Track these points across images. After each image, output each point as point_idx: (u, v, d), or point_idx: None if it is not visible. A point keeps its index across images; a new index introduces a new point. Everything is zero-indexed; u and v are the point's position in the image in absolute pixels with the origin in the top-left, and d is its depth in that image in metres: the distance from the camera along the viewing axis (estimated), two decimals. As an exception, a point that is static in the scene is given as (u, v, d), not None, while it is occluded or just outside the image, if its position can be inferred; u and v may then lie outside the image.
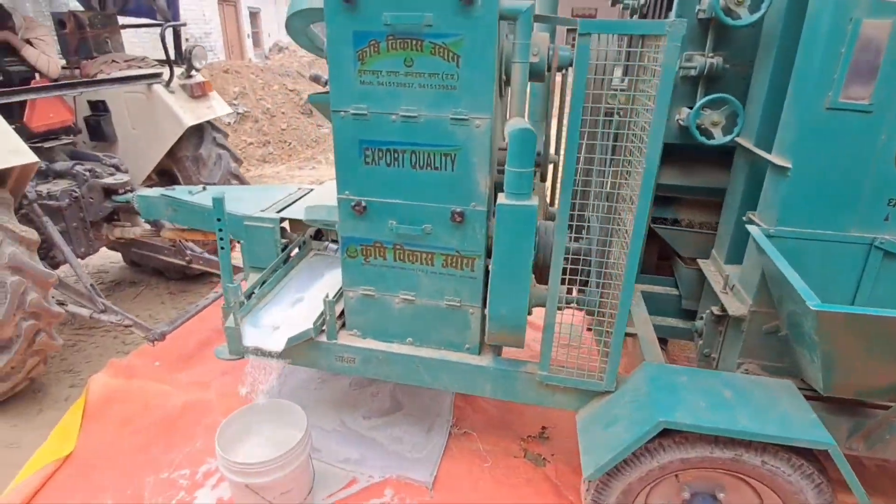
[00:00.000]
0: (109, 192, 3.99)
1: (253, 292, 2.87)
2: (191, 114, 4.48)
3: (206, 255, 4.55)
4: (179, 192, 3.70)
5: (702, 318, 2.68)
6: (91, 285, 3.66)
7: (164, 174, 4.74)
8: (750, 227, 2.25)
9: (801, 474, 2.03)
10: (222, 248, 2.81)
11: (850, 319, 1.73)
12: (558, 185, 3.02)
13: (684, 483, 2.25)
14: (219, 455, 2.54)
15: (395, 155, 2.33)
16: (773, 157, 2.23)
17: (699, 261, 2.89)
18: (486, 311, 2.31)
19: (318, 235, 3.42)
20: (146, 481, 2.96)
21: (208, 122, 4.64)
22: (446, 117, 2.21)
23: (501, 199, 2.13)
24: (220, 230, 2.75)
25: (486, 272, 2.46)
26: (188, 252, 4.47)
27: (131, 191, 4.00)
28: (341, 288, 2.86)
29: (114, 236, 4.18)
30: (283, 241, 3.22)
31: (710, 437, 2.07)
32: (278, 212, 3.29)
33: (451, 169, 2.29)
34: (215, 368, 3.76)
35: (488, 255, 2.43)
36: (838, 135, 2.07)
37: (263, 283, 2.96)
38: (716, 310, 2.55)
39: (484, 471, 2.97)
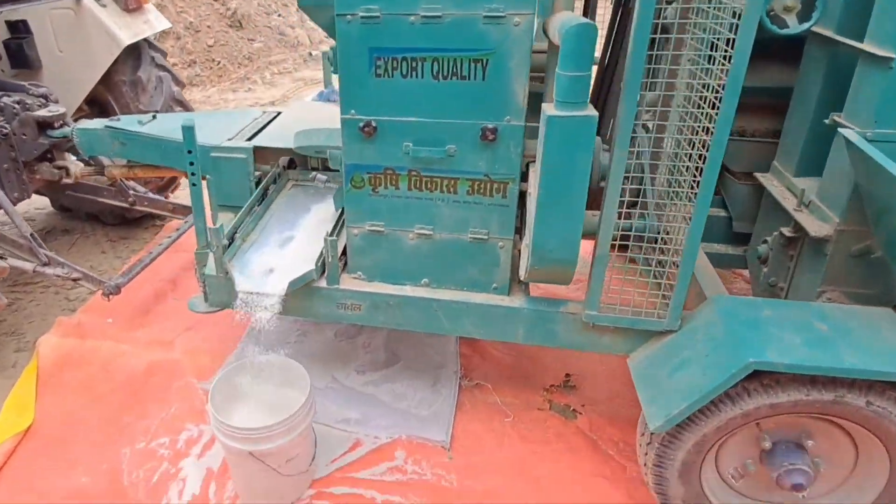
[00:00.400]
0: (43, 126, 3.56)
1: (235, 234, 2.67)
2: (127, 30, 4.02)
3: (151, 195, 4.20)
4: (126, 122, 3.31)
5: (765, 241, 2.54)
6: (31, 235, 3.35)
7: (95, 104, 4.31)
8: (843, 131, 2.06)
9: None
10: (194, 184, 2.57)
11: None
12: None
13: (765, 431, 2.13)
14: (215, 421, 2.36)
15: (414, 64, 2.07)
16: (869, 47, 2.04)
17: (757, 175, 2.71)
18: (528, 242, 2.18)
19: (291, 165, 3.22)
20: (122, 453, 2.74)
21: (145, 39, 4.21)
22: (478, 15, 1.95)
23: (549, 109, 1.94)
24: (192, 164, 2.51)
25: (521, 198, 2.33)
26: (131, 192, 4.09)
27: (68, 124, 3.60)
28: (337, 223, 2.69)
29: (50, 177, 3.76)
30: (257, 173, 3.01)
31: (805, 378, 1.94)
32: (248, 139, 3.04)
33: (481, 78, 2.05)
34: (177, 324, 3.52)
35: (523, 178, 2.29)
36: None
37: (243, 222, 2.76)
38: (787, 231, 2.40)
39: (506, 426, 2.86)
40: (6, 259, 3.23)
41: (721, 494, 2.30)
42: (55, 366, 3.23)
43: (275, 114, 3.33)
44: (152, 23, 4.31)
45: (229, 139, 2.97)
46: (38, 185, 3.85)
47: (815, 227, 2.29)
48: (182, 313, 3.55)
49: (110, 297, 3.31)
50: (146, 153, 3.27)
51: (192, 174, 2.52)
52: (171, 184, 4.61)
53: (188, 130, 2.42)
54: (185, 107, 4.47)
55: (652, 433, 2.18)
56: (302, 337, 3.40)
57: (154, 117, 3.37)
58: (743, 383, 1.96)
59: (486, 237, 2.33)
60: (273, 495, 2.52)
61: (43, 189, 4.17)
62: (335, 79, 2.40)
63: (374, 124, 2.17)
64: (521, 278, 2.28)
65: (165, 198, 4.36)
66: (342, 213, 2.66)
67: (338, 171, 2.60)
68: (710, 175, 1.91)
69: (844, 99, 2.26)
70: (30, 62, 4.07)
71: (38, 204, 5.02)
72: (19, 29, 4.07)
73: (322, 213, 2.80)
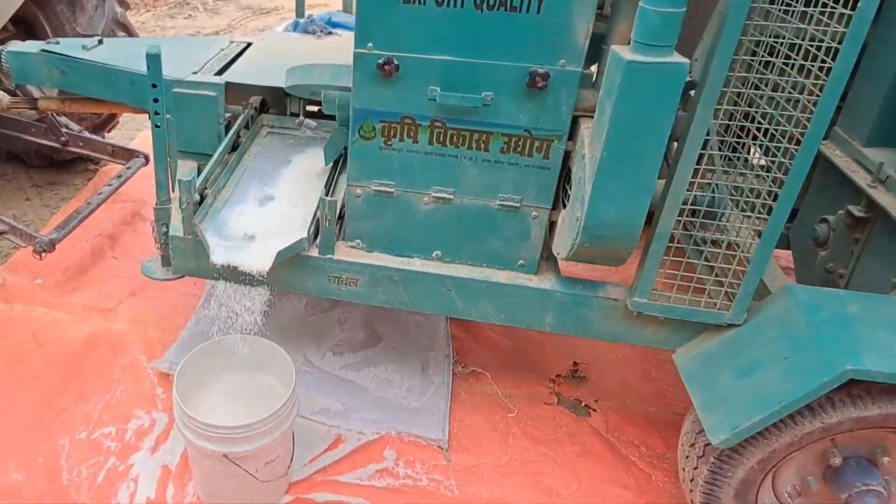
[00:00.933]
0: None
1: (205, 188, 2.25)
2: None
3: (87, 134, 3.67)
4: (67, 46, 2.80)
5: (823, 220, 2.34)
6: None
7: (21, 22, 3.64)
8: None
9: None
10: (157, 125, 2.17)
11: None
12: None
13: (835, 446, 1.92)
14: (182, 414, 1.99)
15: None
16: None
17: None
18: (579, 216, 1.86)
19: (263, 107, 2.79)
20: (60, 444, 2.37)
21: None
22: None
23: (625, 52, 1.61)
24: (156, 100, 2.11)
25: (564, 160, 2.00)
26: (63, 131, 3.56)
27: None
28: (330, 180, 2.32)
29: None
30: (227, 115, 2.54)
31: None
32: (217, 74, 2.57)
33: (535, 9, 1.72)
34: (120, 288, 3.11)
35: (569, 136, 1.96)
36: None
37: (214, 174, 2.33)
38: (856, 210, 2.17)
39: (510, 423, 2.56)
40: None
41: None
42: (-28, 334, 2.76)
43: (244, 45, 2.90)
44: None
45: (194, 72, 2.53)
46: None
47: None
48: (124, 275, 3.17)
49: (42, 254, 2.85)
50: (91, 85, 2.77)
51: (156, 113, 2.14)
52: (109, 121, 4.05)
53: (154, 59, 2.02)
54: (130, 32, 3.84)
55: (707, 445, 1.93)
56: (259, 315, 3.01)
57: (100, 42, 2.88)
58: (830, 394, 1.72)
59: (518, 205, 2.02)
60: (244, 501, 2.17)
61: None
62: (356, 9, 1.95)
63: (395, 62, 1.82)
64: (562, 256, 1.98)
65: (102, 137, 3.84)
66: (335, 168, 2.28)
67: (332, 117, 2.20)
68: (810, 147, 1.64)
69: None
70: None
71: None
72: None
73: (306, 167, 2.43)
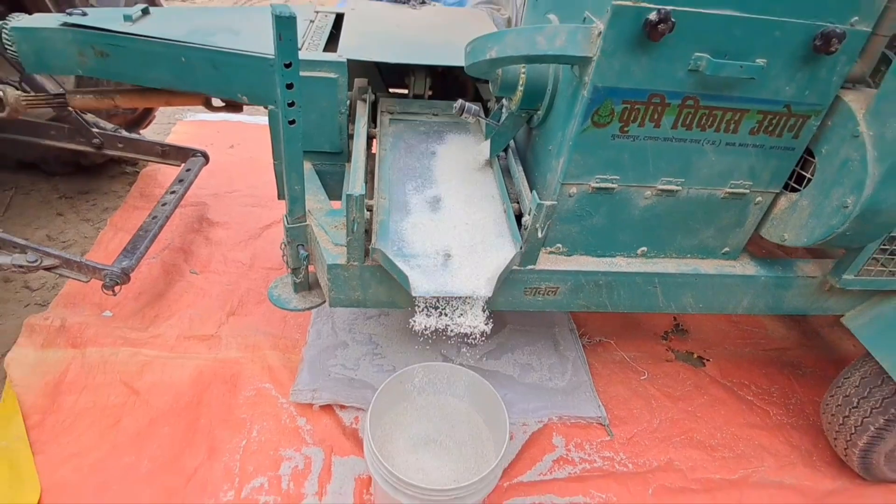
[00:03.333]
0: None
1: (368, 203, 1.33)
2: None
3: (125, 133, 2.46)
4: (100, 18, 1.60)
5: None
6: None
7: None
8: None
9: None
10: (292, 122, 1.20)
11: None
12: None
13: None
14: (388, 474, 1.22)
15: None
16: None
17: None
18: (849, 201, 1.19)
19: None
20: (199, 519, 1.49)
21: None
22: None
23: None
24: (290, 86, 1.13)
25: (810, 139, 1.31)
26: (96, 131, 2.33)
27: None
28: (506, 173, 1.48)
29: None
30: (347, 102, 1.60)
31: None
32: (323, 50, 1.59)
33: None
34: (213, 309, 2.06)
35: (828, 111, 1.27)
36: None
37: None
38: None
39: (646, 386, 1.99)
40: None
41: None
42: (47, 396, 1.72)
43: (333, 14, 1.87)
44: None
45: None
46: None
47: None
48: (213, 292, 2.14)
49: (116, 288, 1.77)
50: (150, 69, 1.60)
51: (291, 104, 1.14)
52: (145, 116, 2.73)
53: (287, 24, 1.05)
54: (155, 1, 2.34)
55: (887, 398, 1.49)
56: (377, 312, 2.12)
57: (146, 11, 1.71)
58: None
59: (747, 191, 1.32)
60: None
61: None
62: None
63: (672, 19, 0.97)
64: (804, 243, 1.34)
65: (139, 135, 2.53)
66: (507, 159, 1.47)
67: (498, 100, 1.35)
68: None
69: None
70: None
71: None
72: None
73: (456, 158, 1.59)
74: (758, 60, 1.10)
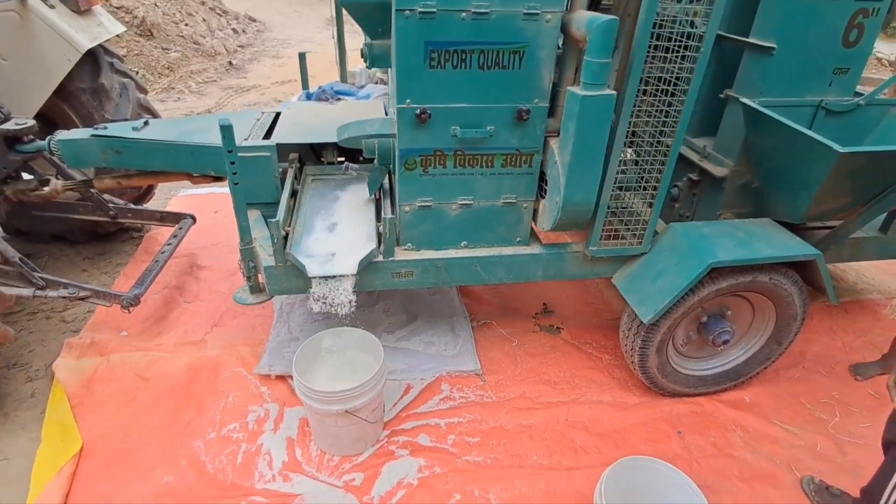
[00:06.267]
0: (11, 141, 2.61)
1: (285, 227, 2.27)
2: (84, 33, 2.98)
3: (134, 206, 3.39)
4: (116, 129, 2.60)
5: (676, 186, 2.78)
6: (21, 259, 2.56)
7: (43, 117, 3.06)
8: (742, 99, 2.28)
9: (792, 282, 2.27)
10: (236, 183, 2.15)
11: (867, 157, 1.97)
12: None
13: (705, 310, 2.38)
14: (307, 391, 2.06)
15: (463, 56, 1.89)
16: (755, 40, 2.25)
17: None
18: (558, 200, 2.14)
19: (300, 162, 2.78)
20: (195, 447, 2.27)
21: (100, 44, 3.15)
22: (518, 12, 1.84)
23: (578, 90, 1.91)
24: (233, 163, 2.09)
25: (540, 167, 2.27)
26: (111, 206, 3.24)
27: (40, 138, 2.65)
28: (378, 205, 2.42)
29: (24, 196, 2.76)
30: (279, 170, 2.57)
31: (736, 268, 2.18)
32: (264, 138, 2.54)
33: (517, 67, 1.93)
34: (201, 324, 2.94)
35: (542, 149, 2.23)
36: (812, 19, 2.18)
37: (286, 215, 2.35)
38: (693, 176, 2.64)
39: (515, 349, 2.84)
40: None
41: (676, 358, 2.53)
42: (83, 386, 2.54)
43: (274, 114, 2.84)
44: (106, 25, 3.22)
45: (245, 139, 2.49)
46: (11, 206, 2.90)
47: (717, 170, 2.54)
48: (202, 313, 3.00)
49: (131, 308, 2.65)
50: (150, 159, 2.57)
51: (234, 173, 2.11)
52: (147, 193, 3.71)
53: (227, 130, 2.00)
54: (154, 114, 3.45)
55: (640, 325, 2.32)
56: (327, 317, 2.98)
57: (146, 123, 2.68)
58: (701, 279, 2.15)
59: (514, 201, 2.25)
60: (359, 443, 2.28)
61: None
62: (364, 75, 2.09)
63: (428, 111, 1.96)
64: (546, 229, 2.25)
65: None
66: (380, 195, 2.40)
67: (369, 160, 2.32)
68: (677, 144, 2.05)
69: (729, 81, 2.50)
70: None
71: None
72: None
73: (353, 200, 2.51)
74: (488, 127, 2.06)
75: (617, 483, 1.82)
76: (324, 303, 2.13)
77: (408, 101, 1.96)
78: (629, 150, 2.16)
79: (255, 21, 11.61)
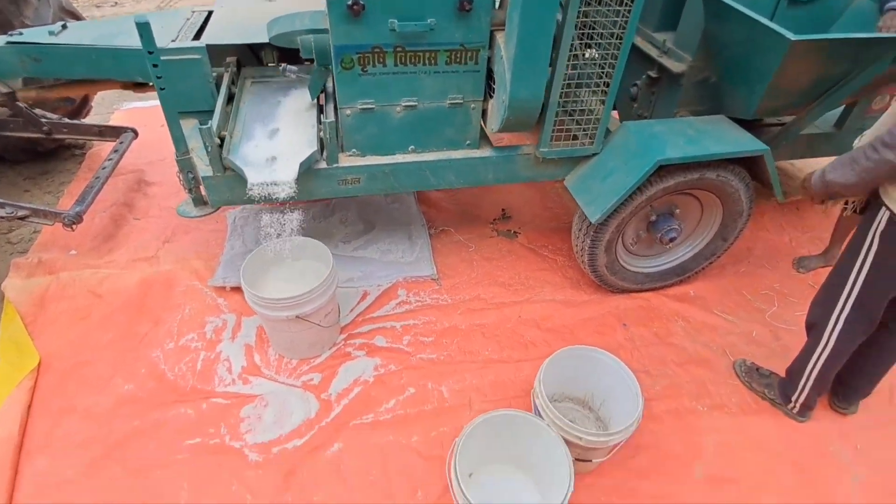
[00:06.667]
0: None
1: (222, 133, 2.16)
2: None
3: (70, 121, 3.20)
4: (33, 35, 2.38)
5: (635, 84, 2.69)
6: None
7: None
8: None
9: (739, 178, 2.29)
10: (162, 88, 2.02)
11: (819, 45, 1.91)
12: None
13: (653, 209, 2.42)
14: (256, 298, 2.08)
15: None
16: None
17: None
18: (504, 98, 2.06)
19: (239, 64, 2.60)
20: (154, 356, 2.32)
21: None
22: None
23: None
24: (156, 65, 1.93)
25: (487, 63, 2.16)
26: (44, 121, 3.06)
27: None
28: (321, 109, 2.31)
29: None
30: (213, 74, 2.41)
31: (684, 165, 2.17)
32: (194, 39, 2.35)
33: None
34: (151, 240, 2.90)
35: (489, 45, 2.11)
36: None
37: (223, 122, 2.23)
38: (652, 73, 2.55)
39: (472, 253, 2.89)
40: None
41: (625, 256, 2.60)
42: (35, 305, 2.53)
43: (206, 12, 2.62)
44: None
45: (172, 41, 2.30)
46: None
47: (675, 66, 2.44)
48: (152, 230, 2.95)
49: (73, 226, 2.58)
50: (72, 67, 2.39)
51: (158, 77, 1.94)
52: (82, 108, 3.47)
53: (145, 28, 1.81)
54: (78, 17, 3.19)
55: (589, 225, 2.34)
56: (281, 228, 2.96)
57: (64, 27, 2.46)
58: (649, 178, 2.15)
59: (461, 101, 2.17)
60: (316, 346, 2.36)
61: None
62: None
63: (361, 2, 1.83)
64: (495, 130, 2.19)
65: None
66: (320, 98, 2.28)
67: (309, 60, 2.17)
68: (630, 30, 1.94)
69: None
70: None
71: None
72: None
73: (296, 104, 2.39)
74: (429, 20, 1.92)
75: (555, 370, 1.94)
76: (265, 198, 2.07)
77: (337, -11, 1.80)
78: (580, 45, 2.05)
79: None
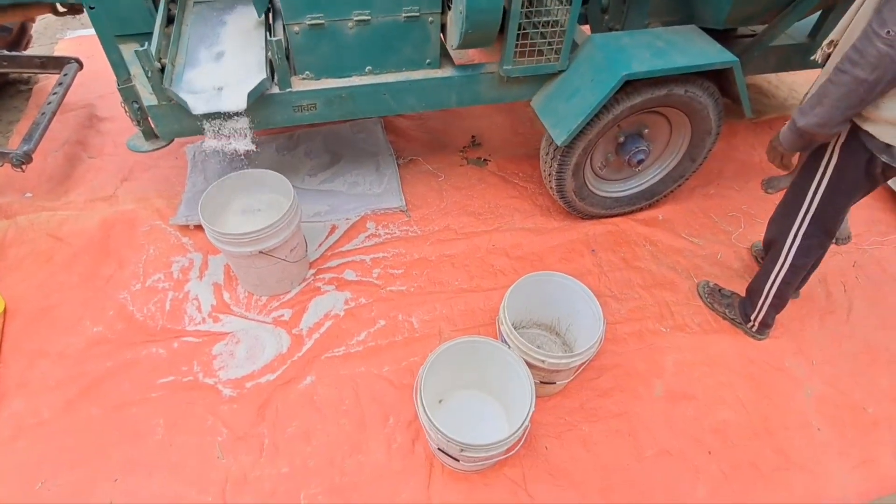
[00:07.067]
0: None
1: (161, 58, 2.01)
2: None
3: (6, 52, 2.99)
4: None
5: None
6: None
7: None
8: None
9: (708, 94, 2.20)
10: (92, 7, 1.85)
11: None
12: None
13: (621, 130, 2.35)
14: (218, 235, 2.02)
15: None
16: None
17: None
18: (461, 9, 1.92)
19: None
20: (121, 298, 2.29)
21: None
22: None
23: None
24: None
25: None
26: None
27: None
28: (267, 28, 2.15)
29: None
30: None
31: (651, 81, 2.08)
32: None
33: None
34: (110, 179, 2.79)
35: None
36: None
37: (162, 45, 2.07)
38: None
39: (441, 183, 2.82)
40: None
41: (593, 181, 2.54)
42: (-8, 250, 2.43)
43: None
44: None
45: None
46: None
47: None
48: (108, 168, 2.83)
49: (23, 166, 2.46)
50: None
51: (90, -7, 1.76)
52: (21, 38, 3.22)
53: None
54: None
55: (555, 148, 2.27)
56: (244, 161, 2.83)
57: None
58: (615, 95, 2.06)
59: (418, 13, 2.02)
60: (284, 282, 2.33)
61: None
62: None
63: None
64: (454, 46, 2.06)
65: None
66: (268, 16, 2.12)
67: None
68: None
69: None
70: None
71: None
72: None
73: (242, 24, 2.23)
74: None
75: (521, 296, 1.94)
76: (219, 143, 1.98)
77: None
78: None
79: None
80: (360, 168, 2.83)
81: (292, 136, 2.99)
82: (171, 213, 2.60)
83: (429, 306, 2.30)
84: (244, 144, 2.00)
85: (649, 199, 2.65)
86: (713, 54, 2.10)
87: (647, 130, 2.39)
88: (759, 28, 2.41)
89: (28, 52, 3.09)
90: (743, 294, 2.24)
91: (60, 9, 2.43)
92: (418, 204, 2.72)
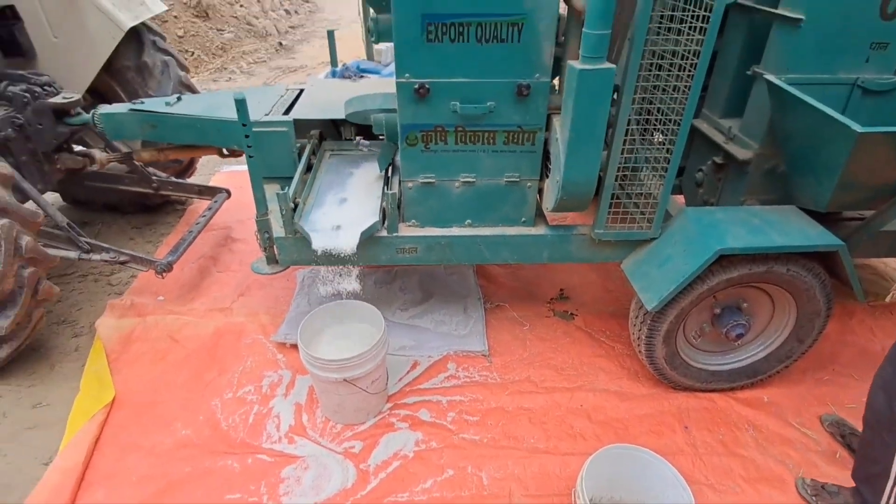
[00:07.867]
0: (59, 114, 2.78)
1: (296, 198, 2.37)
2: (126, 13, 3.12)
3: (175, 179, 3.63)
4: (152, 104, 2.76)
5: (700, 170, 2.65)
6: (68, 224, 2.81)
7: (94, 93, 3.31)
8: (767, 76, 2.12)
9: (813, 275, 2.10)
10: (251, 156, 2.27)
11: (890, 138, 1.80)
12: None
13: (718, 301, 2.26)
14: (310, 357, 2.15)
15: (460, 29, 1.88)
16: (783, 11, 2.09)
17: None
18: (558, 179, 2.10)
19: (321, 137, 2.88)
20: (213, 405, 2.43)
21: (143, 23, 3.27)
22: None
23: (577, 64, 1.86)
24: (248, 136, 2.19)
25: (544, 145, 2.24)
26: (154, 178, 3.47)
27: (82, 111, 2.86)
28: (386, 181, 2.47)
29: (74, 165, 2.98)
30: (297, 145, 2.63)
31: (749, 257, 2.05)
32: (284, 114, 2.61)
33: (517, 40, 1.91)
34: (230, 293, 3.13)
35: (546, 127, 2.20)
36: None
37: (300, 188, 2.45)
38: (718, 159, 2.48)
39: (525, 332, 2.82)
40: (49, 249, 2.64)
41: (686, 350, 2.41)
42: (120, 343, 2.77)
43: (297, 91, 2.92)
44: (148, 4, 3.33)
45: (266, 114, 2.58)
46: (60, 175, 3.09)
47: (741, 153, 2.38)
48: (231, 283, 3.19)
49: (164, 274, 2.86)
50: (181, 133, 2.72)
51: (249, 146, 2.19)
52: (188, 168, 3.94)
53: (242, 104, 2.08)
54: (194, 90, 3.55)
55: (646, 313, 2.23)
56: (336, 287, 3.08)
57: (179, 98, 2.83)
58: (710, 267, 2.04)
59: (518, 179, 2.23)
60: (361, 412, 2.35)
61: (57, 182, 3.27)
62: (378, 52, 2.13)
63: (427, 86, 1.99)
64: (549, 209, 2.22)
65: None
66: (388, 171, 2.45)
67: (380, 136, 2.36)
68: (686, 123, 1.94)
69: (758, 56, 2.30)
70: (23, 50, 3.04)
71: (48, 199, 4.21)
72: (6, 16, 3.00)
73: (366, 176, 2.57)
74: (488, 103, 2.06)
75: (600, 469, 1.79)
76: (331, 288, 2.20)
77: (406, 75, 1.98)
78: (637, 129, 2.08)
79: (308, 1, 11.98)
80: (448, 308, 2.94)
81: (391, 271, 3.23)
82: (273, 329, 2.83)
83: (501, 462, 2.17)
84: (351, 285, 2.19)
85: (751, 377, 2.43)
86: (815, 236, 2.06)
87: (745, 304, 2.30)
88: (867, 212, 2.34)
89: (190, 181, 3.78)
90: (851, 484, 1.88)
91: (225, 152, 3.00)
92: (501, 350, 2.71)
